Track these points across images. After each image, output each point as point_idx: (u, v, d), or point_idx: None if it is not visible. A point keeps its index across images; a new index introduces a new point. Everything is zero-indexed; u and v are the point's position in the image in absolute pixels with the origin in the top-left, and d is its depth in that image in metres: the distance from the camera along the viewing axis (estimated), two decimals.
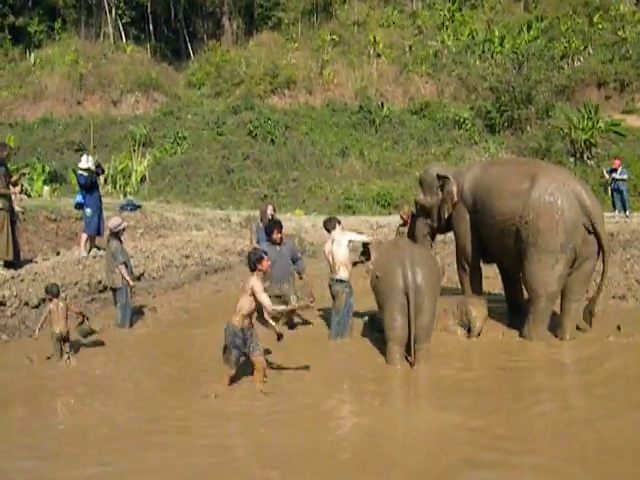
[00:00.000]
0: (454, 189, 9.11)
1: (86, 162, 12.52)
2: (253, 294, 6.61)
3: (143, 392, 6.92)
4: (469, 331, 8.23)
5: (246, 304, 6.64)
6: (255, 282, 6.64)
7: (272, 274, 8.15)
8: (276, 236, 9.24)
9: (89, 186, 12.40)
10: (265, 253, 7.04)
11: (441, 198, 9.39)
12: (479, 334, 8.16)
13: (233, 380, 6.76)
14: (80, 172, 12.48)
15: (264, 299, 6.63)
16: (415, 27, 35.99)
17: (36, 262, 11.54)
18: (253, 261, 6.83)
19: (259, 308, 6.85)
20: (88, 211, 12.29)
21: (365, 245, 9.10)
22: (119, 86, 32.26)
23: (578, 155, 25.75)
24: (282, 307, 7.54)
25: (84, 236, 12.47)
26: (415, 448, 5.47)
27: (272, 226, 9.41)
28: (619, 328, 8.32)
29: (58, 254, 12.33)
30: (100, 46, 34.95)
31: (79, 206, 12.60)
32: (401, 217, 10.18)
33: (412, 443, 5.57)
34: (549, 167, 8.70)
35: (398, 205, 22.27)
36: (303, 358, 7.57)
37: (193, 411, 6.18)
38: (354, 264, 8.96)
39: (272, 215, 10.76)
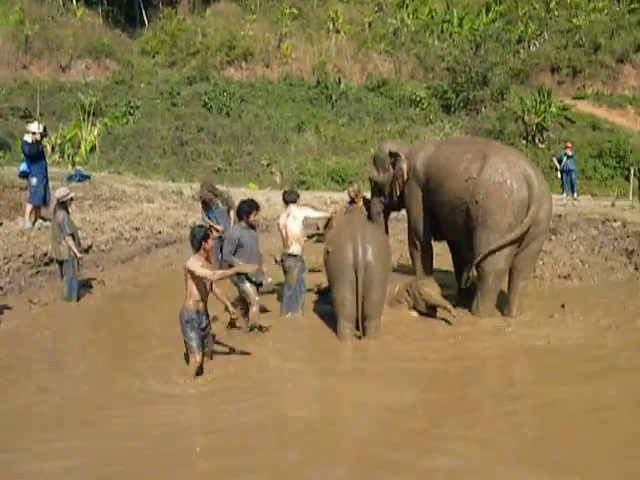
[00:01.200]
0: (404, 166, 9.15)
1: (35, 127, 12.20)
2: (193, 276, 6.23)
3: (90, 366, 6.82)
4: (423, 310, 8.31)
5: (194, 289, 6.29)
6: (192, 263, 6.23)
7: (251, 261, 7.67)
8: (254, 218, 8.10)
9: (35, 155, 12.06)
10: (204, 228, 6.67)
11: (392, 175, 9.43)
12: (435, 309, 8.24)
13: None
14: (25, 140, 12.13)
15: (203, 271, 6.19)
16: (375, 4, 35.88)
17: None
18: (199, 239, 6.42)
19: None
20: (33, 180, 11.95)
21: (329, 220, 9.03)
22: (68, 51, 31.12)
23: (530, 138, 26.15)
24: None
25: (29, 206, 12.14)
26: (361, 423, 5.52)
27: (249, 206, 8.12)
28: (563, 306, 8.49)
29: (1, 225, 12.00)
30: (48, 7, 33.38)
31: (24, 175, 12.23)
32: (348, 194, 10.16)
33: (356, 418, 5.62)
34: (500, 148, 8.75)
35: (352, 181, 22.31)
36: (254, 333, 7.57)
37: (137, 389, 6.12)
38: (313, 235, 8.93)
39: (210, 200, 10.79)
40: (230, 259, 7.74)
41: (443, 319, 8.16)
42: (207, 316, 6.49)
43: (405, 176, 9.16)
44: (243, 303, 8.03)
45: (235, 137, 26.04)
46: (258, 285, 8.06)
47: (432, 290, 8.31)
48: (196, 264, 6.21)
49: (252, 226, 8.05)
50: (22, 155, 12.68)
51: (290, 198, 8.78)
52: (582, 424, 5.26)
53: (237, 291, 7.97)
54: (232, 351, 6.93)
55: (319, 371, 6.72)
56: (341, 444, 5.09)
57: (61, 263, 9.02)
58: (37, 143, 12.06)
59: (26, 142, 12.03)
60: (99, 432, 5.22)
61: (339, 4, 35.41)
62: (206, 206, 10.96)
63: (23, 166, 12.19)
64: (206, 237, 6.44)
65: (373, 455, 4.84)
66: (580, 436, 5.03)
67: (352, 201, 10.19)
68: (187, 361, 6.43)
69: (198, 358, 6.26)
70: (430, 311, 8.30)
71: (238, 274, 7.62)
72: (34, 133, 12.02)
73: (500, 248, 7.87)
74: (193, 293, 6.29)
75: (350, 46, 33.23)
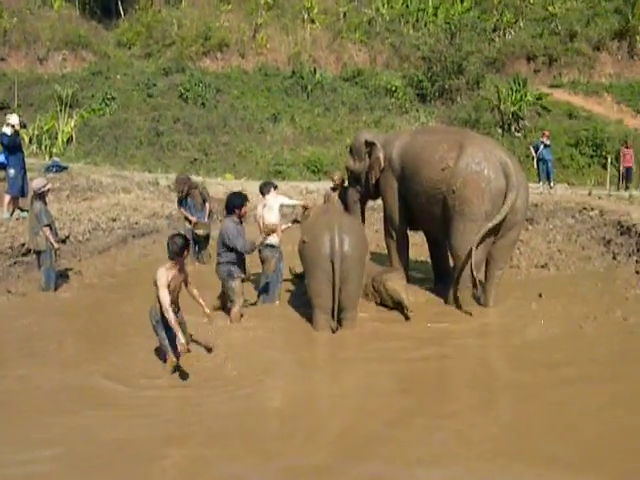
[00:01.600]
0: (381, 155, 9.19)
1: (15, 119, 12.19)
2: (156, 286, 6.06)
3: (67, 357, 6.83)
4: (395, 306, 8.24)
5: (164, 297, 6.02)
6: (160, 275, 6.05)
7: (241, 255, 7.77)
8: (244, 211, 7.94)
9: (12, 146, 12.04)
10: (184, 238, 6.51)
11: (368, 164, 9.47)
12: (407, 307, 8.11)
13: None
14: (4, 132, 12.11)
15: (163, 296, 5.96)
16: None
17: None
18: (178, 249, 6.23)
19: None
20: (11, 172, 11.96)
21: (305, 208, 9.07)
22: (45, 43, 31.03)
23: (506, 127, 26.23)
24: (173, 317, 6.03)
25: (7, 197, 12.13)
26: (339, 410, 5.58)
27: (240, 200, 7.91)
28: (540, 295, 8.59)
29: None
30: (26, 0, 33.54)
31: (1, 166, 12.23)
32: (332, 180, 10.22)
33: (334, 409, 5.69)
34: (477, 137, 8.83)
35: (328, 171, 22.32)
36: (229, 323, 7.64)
37: (116, 379, 6.16)
38: (293, 222, 8.94)
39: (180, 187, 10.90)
40: (252, 246, 7.74)
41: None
42: (178, 309, 6.39)
43: (382, 165, 9.20)
44: (222, 300, 8.05)
45: (211, 127, 25.95)
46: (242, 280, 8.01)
47: (396, 285, 8.19)
48: (163, 278, 6.05)
49: (240, 219, 7.93)
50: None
51: (266, 190, 8.82)
52: (556, 414, 5.37)
53: (221, 287, 7.95)
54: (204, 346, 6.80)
55: (296, 361, 6.78)
56: (318, 434, 5.14)
57: (39, 253, 9.00)
58: (15, 135, 12.05)
59: (5, 134, 12.03)
60: (74, 423, 5.25)
61: None
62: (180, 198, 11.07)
63: (1, 157, 12.16)
64: (186, 247, 6.32)
65: (351, 446, 4.91)
66: (555, 426, 5.14)
67: (335, 188, 10.26)
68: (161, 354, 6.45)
69: (173, 356, 6.18)
70: (397, 306, 8.17)
71: (230, 273, 7.66)
72: (13, 125, 12.02)
73: (481, 239, 7.93)
74: (164, 301, 6.07)
75: (325, 36, 33.15)
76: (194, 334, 6.83)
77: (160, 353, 6.48)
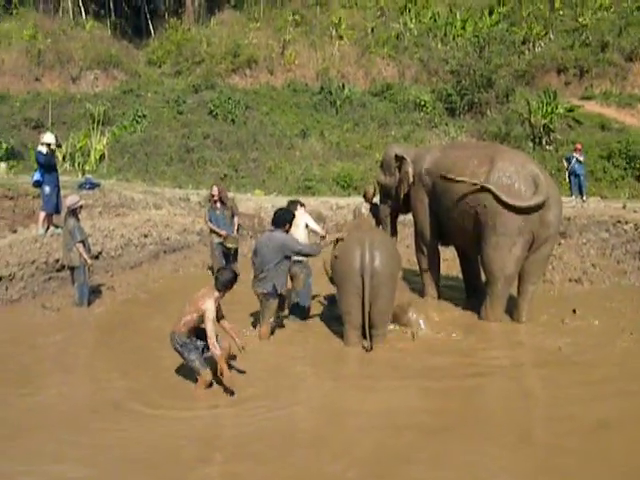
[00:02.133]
0: (410, 169, 9.17)
1: (51, 138, 12.40)
2: (203, 316, 6.08)
3: (100, 371, 6.88)
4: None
5: (195, 323, 6.18)
6: (209, 306, 6.08)
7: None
8: (289, 227, 8.03)
9: (47, 165, 12.23)
10: (234, 273, 6.43)
11: (398, 178, 9.46)
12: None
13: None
14: (40, 150, 12.30)
15: (212, 329, 6.00)
16: (377, 9, 35.87)
17: None
18: (225, 282, 6.24)
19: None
20: (46, 189, 12.13)
21: (322, 237, 9.02)
22: (78, 63, 31.62)
23: (537, 140, 25.98)
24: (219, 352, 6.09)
25: (42, 214, 12.29)
26: (370, 428, 5.54)
27: (288, 215, 8.07)
28: (574, 311, 8.47)
29: (15, 232, 12.12)
30: (59, 22, 34.15)
31: (37, 184, 12.39)
32: (364, 195, 10.23)
33: (366, 423, 5.64)
34: (507, 150, 8.77)
35: (357, 187, 22.32)
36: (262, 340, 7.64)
37: (148, 396, 6.18)
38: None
39: (218, 196, 10.89)
40: (319, 247, 7.94)
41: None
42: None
43: (410, 179, 9.18)
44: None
45: (240, 144, 26.09)
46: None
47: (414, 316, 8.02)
48: (212, 310, 6.08)
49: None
50: (35, 165, 12.86)
51: (293, 207, 8.81)
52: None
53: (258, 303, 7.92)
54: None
55: (327, 378, 6.75)
56: (347, 452, 5.09)
57: (72, 269, 9.11)
58: (51, 154, 12.25)
59: (41, 153, 12.21)
60: (106, 442, 5.27)
61: (341, 10, 35.48)
62: (213, 206, 11.03)
63: (36, 175, 12.33)
64: (234, 281, 6.30)
65: (379, 464, 4.87)
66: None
67: (367, 200, 10.24)
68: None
69: (206, 377, 6.19)
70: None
71: (274, 289, 7.62)
72: (49, 144, 12.22)
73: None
74: (190, 325, 6.20)
75: (353, 51, 33.27)
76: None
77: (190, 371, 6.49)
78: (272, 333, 7.81)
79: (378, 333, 7.45)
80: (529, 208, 7.77)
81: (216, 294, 6.23)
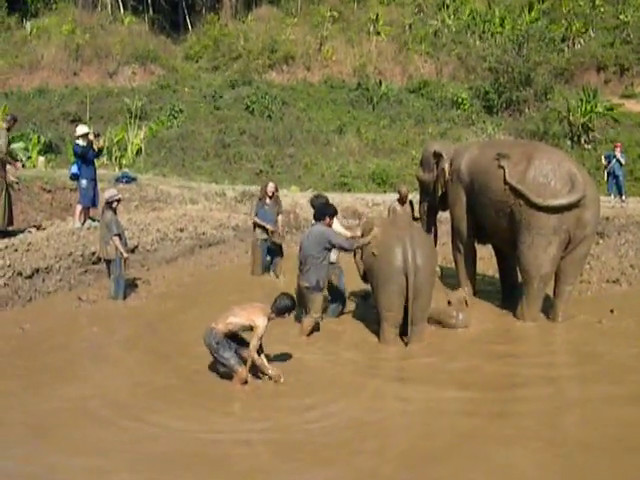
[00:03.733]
0: (446, 166, 9.17)
1: (84, 129, 12.53)
2: (250, 327, 6.15)
3: (135, 365, 6.93)
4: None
5: (236, 327, 6.23)
6: (262, 322, 6.11)
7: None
8: (331, 221, 8.04)
9: (84, 156, 12.31)
10: (292, 299, 6.44)
11: (435, 175, 9.45)
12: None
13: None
14: (78, 143, 12.40)
15: (257, 344, 6.12)
16: (416, 5, 35.72)
17: (30, 232, 11.53)
18: (283, 308, 6.27)
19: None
20: (83, 182, 12.24)
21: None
22: (116, 57, 32.03)
23: (575, 138, 25.70)
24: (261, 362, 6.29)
25: (79, 207, 12.43)
26: (408, 428, 5.52)
27: (330, 209, 8.14)
28: (612, 312, 8.35)
29: (39, 228, 12.17)
30: (97, 16, 34.61)
31: (74, 177, 12.52)
32: (399, 192, 10.20)
33: (405, 423, 5.62)
34: (545, 149, 8.68)
35: (393, 183, 22.23)
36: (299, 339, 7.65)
37: (182, 388, 6.22)
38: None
39: (273, 193, 10.88)
40: (355, 243, 7.85)
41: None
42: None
43: (447, 176, 9.15)
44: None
45: (277, 140, 26.17)
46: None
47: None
48: (263, 329, 6.12)
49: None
50: (72, 158, 13.00)
51: (317, 202, 8.81)
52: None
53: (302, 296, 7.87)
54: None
55: (363, 376, 6.72)
56: (384, 450, 5.10)
57: (109, 262, 9.18)
58: (89, 146, 12.32)
59: (77, 144, 12.31)
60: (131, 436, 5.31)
61: (379, 6, 35.42)
62: (263, 202, 10.97)
63: (74, 168, 12.46)
64: (291, 309, 6.37)
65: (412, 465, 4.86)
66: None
67: (401, 200, 10.22)
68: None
69: (242, 374, 6.18)
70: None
71: (318, 283, 7.66)
72: (86, 134, 12.30)
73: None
74: (233, 329, 6.25)
75: (391, 48, 33.19)
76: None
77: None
78: (312, 332, 7.77)
79: (418, 330, 7.42)
80: (562, 207, 7.67)
81: (271, 315, 6.26)
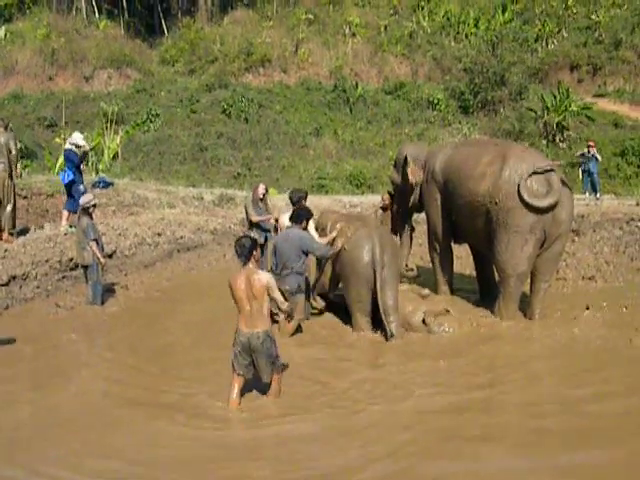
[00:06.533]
0: (409, 170, 9.24)
1: (81, 140, 12.51)
2: (268, 291, 5.76)
3: (113, 370, 6.91)
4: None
5: (269, 308, 5.89)
6: (270, 279, 5.83)
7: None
8: (307, 224, 8.09)
9: (79, 165, 12.33)
10: (251, 237, 6.24)
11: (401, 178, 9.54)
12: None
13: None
14: (70, 149, 12.34)
15: (280, 296, 5.95)
16: (390, 7, 35.89)
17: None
18: (249, 249, 5.87)
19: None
20: (81, 187, 12.20)
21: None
22: (91, 62, 31.86)
23: (550, 137, 25.96)
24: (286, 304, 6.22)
25: (65, 213, 12.41)
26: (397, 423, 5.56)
27: (307, 213, 8.11)
28: (588, 308, 8.44)
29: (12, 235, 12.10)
30: (72, 21, 34.41)
31: (70, 184, 12.39)
32: (382, 200, 10.24)
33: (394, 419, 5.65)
34: (519, 148, 8.72)
35: (371, 185, 22.34)
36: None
37: (160, 391, 6.22)
38: None
39: (263, 194, 10.85)
40: (331, 250, 7.90)
41: None
42: None
43: (411, 179, 9.21)
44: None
45: (254, 142, 26.19)
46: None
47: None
48: (269, 275, 5.95)
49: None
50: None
51: (295, 198, 8.87)
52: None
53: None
54: None
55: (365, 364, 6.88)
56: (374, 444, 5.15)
57: (86, 268, 9.14)
58: (84, 155, 12.34)
59: (72, 152, 12.29)
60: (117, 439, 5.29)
61: (354, 8, 35.52)
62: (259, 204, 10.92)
63: (69, 175, 12.27)
64: (256, 246, 6.06)
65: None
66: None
67: (385, 208, 10.26)
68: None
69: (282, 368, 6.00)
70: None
71: (299, 285, 7.78)
72: (81, 146, 12.32)
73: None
74: (269, 312, 5.97)
75: (366, 50, 33.32)
76: None
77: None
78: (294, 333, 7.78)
79: (393, 320, 7.57)
80: (544, 208, 7.75)
81: (253, 265, 5.97)
